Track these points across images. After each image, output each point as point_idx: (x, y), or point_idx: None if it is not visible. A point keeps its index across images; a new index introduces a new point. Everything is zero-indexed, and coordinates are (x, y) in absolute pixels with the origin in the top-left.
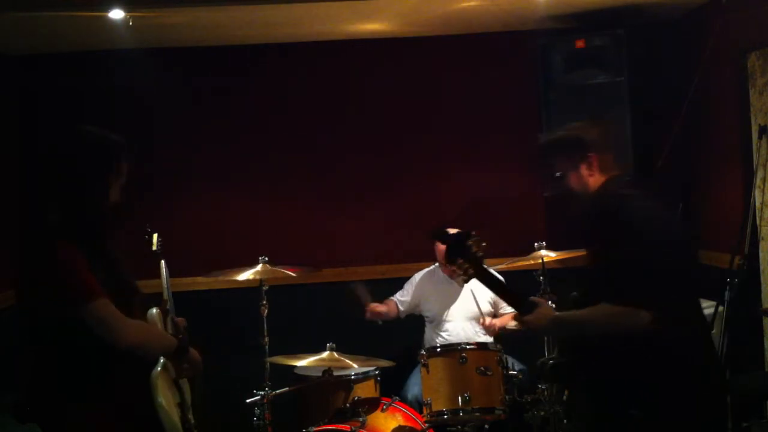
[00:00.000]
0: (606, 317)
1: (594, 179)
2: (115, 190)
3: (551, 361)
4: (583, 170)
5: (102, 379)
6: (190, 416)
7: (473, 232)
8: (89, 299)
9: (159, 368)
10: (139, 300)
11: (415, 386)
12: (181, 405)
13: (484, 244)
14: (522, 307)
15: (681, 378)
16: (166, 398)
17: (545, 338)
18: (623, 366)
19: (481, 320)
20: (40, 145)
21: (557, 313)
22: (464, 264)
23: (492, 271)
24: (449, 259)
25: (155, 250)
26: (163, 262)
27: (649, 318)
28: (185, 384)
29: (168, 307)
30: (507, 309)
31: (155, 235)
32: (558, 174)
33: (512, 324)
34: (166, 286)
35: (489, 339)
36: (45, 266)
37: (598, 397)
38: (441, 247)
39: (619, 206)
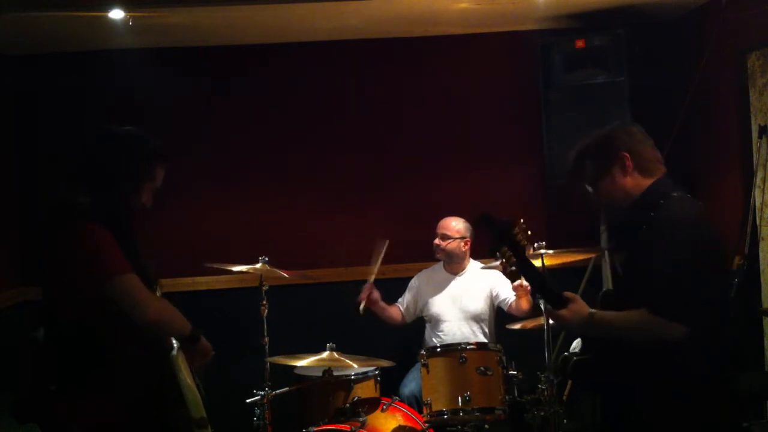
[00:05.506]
0: (643, 325)
1: (632, 180)
2: (147, 190)
3: (575, 358)
4: (617, 172)
5: (103, 379)
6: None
7: (521, 220)
8: (118, 272)
9: (176, 351)
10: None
11: (412, 383)
12: (199, 387)
13: (530, 232)
14: (557, 303)
15: (705, 389)
16: (188, 377)
17: (545, 340)
18: (649, 371)
19: (515, 283)
20: (39, 142)
21: (592, 310)
22: (507, 252)
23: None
24: (493, 247)
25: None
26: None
27: (684, 332)
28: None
29: None
30: (505, 299)
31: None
32: (589, 181)
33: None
34: None
35: (487, 339)
36: (76, 242)
37: (616, 400)
38: (438, 242)
39: (671, 212)
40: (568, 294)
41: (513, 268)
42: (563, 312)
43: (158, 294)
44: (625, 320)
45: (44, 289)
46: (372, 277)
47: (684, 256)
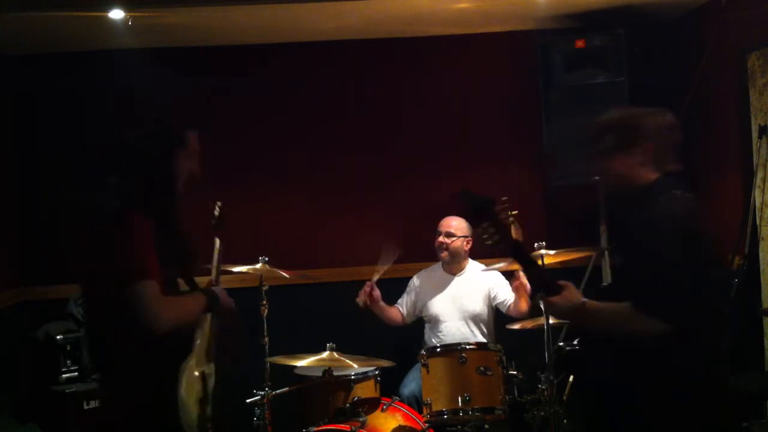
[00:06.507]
0: (626, 319)
1: (644, 171)
2: (184, 168)
3: (567, 348)
4: (635, 157)
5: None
6: (208, 409)
7: (504, 198)
8: (140, 277)
9: (190, 362)
10: (197, 267)
11: (412, 383)
12: (202, 400)
13: (515, 212)
14: (548, 288)
15: (690, 387)
16: (187, 392)
17: (545, 340)
18: (636, 368)
19: (515, 283)
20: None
21: (584, 299)
22: (489, 228)
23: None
24: (474, 221)
25: (214, 223)
26: (217, 239)
27: (666, 329)
28: (211, 378)
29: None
30: (504, 301)
31: (218, 205)
32: (602, 154)
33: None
34: (216, 264)
35: (486, 339)
36: (108, 241)
37: (605, 394)
38: (443, 240)
39: (665, 208)
40: (562, 282)
41: (490, 242)
42: (554, 298)
43: (215, 277)
44: (610, 311)
45: (80, 285)
46: (376, 277)
47: (671, 254)
